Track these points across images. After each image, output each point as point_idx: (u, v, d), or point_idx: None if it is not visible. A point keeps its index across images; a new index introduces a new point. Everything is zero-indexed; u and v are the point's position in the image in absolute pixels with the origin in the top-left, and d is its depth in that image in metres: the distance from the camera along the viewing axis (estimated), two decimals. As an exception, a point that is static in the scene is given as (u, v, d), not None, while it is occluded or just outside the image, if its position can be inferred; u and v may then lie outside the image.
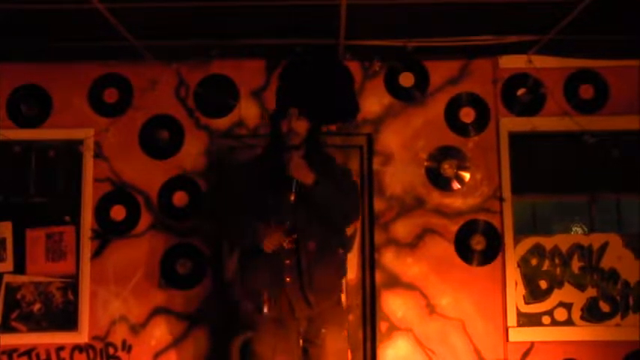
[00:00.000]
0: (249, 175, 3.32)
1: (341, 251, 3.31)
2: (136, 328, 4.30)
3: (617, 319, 4.35)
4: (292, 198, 3.06)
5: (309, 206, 3.11)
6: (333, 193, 3.11)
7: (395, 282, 4.33)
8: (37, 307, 4.38)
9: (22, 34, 3.98)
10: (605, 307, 4.37)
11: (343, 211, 3.21)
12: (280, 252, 3.09)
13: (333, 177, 3.20)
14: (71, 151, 4.44)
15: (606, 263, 4.40)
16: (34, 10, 3.57)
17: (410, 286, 4.32)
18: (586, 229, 4.53)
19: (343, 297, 3.41)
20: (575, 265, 4.40)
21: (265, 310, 3.10)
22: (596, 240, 4.42)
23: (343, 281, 3.59)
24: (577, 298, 4.36)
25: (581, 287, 4.38)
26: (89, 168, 4.40)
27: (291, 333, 3.15)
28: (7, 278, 4.38)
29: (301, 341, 3.17)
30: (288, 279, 3.10)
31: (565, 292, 4.38)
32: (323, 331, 3.17)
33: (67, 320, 4.35)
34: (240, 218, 3.17)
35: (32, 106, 4.45)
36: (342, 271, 3.37)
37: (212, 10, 3.65)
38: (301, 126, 3.17)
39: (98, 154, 4.41)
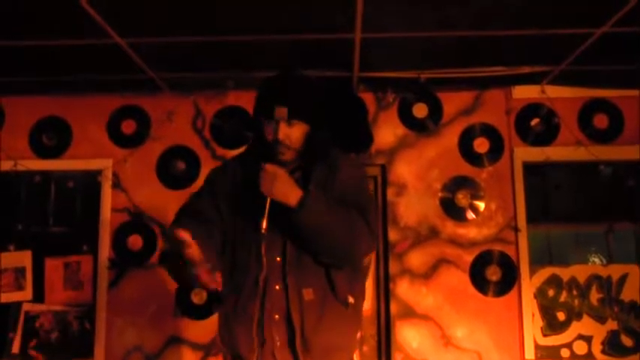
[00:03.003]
0: (228, 182, 2.43)
1: (351, 300, 2.30)
2: (151, 358, 4.31)
3: (641, 354, 4.28)
4: (264, 226, 2.17)
5: (295, 238, 2.25)
6: (329, 217, 2.19)
7: (410, 312, 4.30)
8: (54, 335, 4.41)
9: (45, 67, 4.08)
10: (627, 341, 4.28)
11: (345, 245, 2.25)
12: (266, 300, 2.25)
13: (340, 196, 2.30)
14: (90, 181, 4.52)
15: (626, 295, 4.33)
16: (56, 45, 3.67)
17: (425, 317, 4.29)
18: (604, 260, 4.48)
19: (356, 356, 2.44)
20: (594, 296, 4.34)
21: None
22: (614, 271, 4.37)
23: (358, 336, 2.45)
24: (597, 331, 4.29)
25: (600, 320, 4.31)
26: (107, 198, 4.47)
27: None
28: (25, 307, 4.43)
29: None
30: (278, 341, 2.25)
31: (584, 325, 4.31)
32: None
33: (84, 349, 4.37)
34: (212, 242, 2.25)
35: (52, 137, 4.55)
36: (355, 326, 2.37)
37: (228, 43, 3.73)
38: (297, 131, 2.28)
39: (116, 185, 4.48)
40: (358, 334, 2.44)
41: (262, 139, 2.30)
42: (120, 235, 4.44)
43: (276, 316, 2.25)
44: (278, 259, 2.27)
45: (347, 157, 2.53)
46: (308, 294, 2.24)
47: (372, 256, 4.43)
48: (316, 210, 2.16)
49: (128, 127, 4.54)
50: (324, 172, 2.33)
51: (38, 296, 4.44)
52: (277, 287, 2.25)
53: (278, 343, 2.24)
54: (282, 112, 2.22)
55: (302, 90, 2.34)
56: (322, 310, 2.25)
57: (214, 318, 4.23)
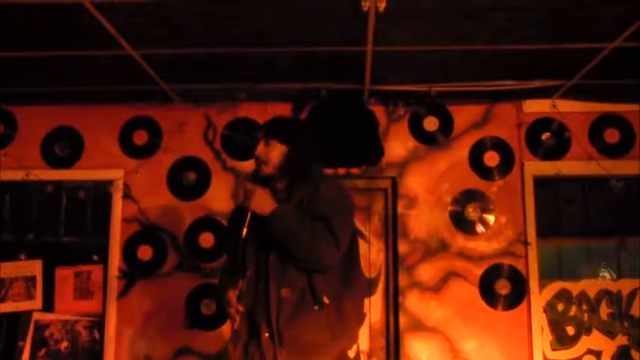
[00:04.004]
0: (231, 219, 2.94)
1: (326, 301, 2.59)
2: (160, 368, 4.33)
3: (651, 369, 4.25)
4: (244, 233, 2.60)
5: (273, 243, 2.60)
6: (297, 228, 2.54)
7: (419, 325, 4.30)
8: (64, 345, 4.43)
9: (58, 78, 4.12)
10: (637, 356, 4.26)
11: (306, 252, 2.56)
12: (251, 298, 2.64)
13: (312, 210, 2.63)
14: (101, 191, 4.55)
15: (637, 310, 4.32)
16: (70, 55, 3.70)
17: (434, 330, 4.29)
18: (614, 275, 4.46)
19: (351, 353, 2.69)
20: (604, 311, 4.33)
21: None
22: (625, 286, 4.36)
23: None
24: (607, 346, 4.28)
25: (610, 335, 4.30)
26: (118, 208, 4.49)
27: None
28: (35, 316, 4.45)
29: None
30: (266, 333, 2.59)
31: (593, 339, 4.29)
32: None
33: (93, 359, 4.38)
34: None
35: (64, 147, 4.58)
36: (334, 325, 2.61)
37: (239, 55, 3.75)
38: (276, 151, 2.69)
39: (127, 195, 4.50)
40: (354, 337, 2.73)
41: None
42: (130, 246, 4.46)
43: (260, 312, 2.60)
44: (263, 263, 2.64)
45: (329, 179, 2.98)
46: (286, 292, 2.58)
47: (382, 269, 4.43)
48: (285, 219, 2.55)
49: (140, 137, 4.56)
50: (305, 190, 2.68)
51: (48, 306, 4.47)
52: (260, 287, 2.63)
53: (266, 335, 2.58)
54: (261, 133, 2.74)
55: (281, 115, 2.85)
56: (297, 308, 2.58)
57: (224, 329, 4.29)
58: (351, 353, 2.70)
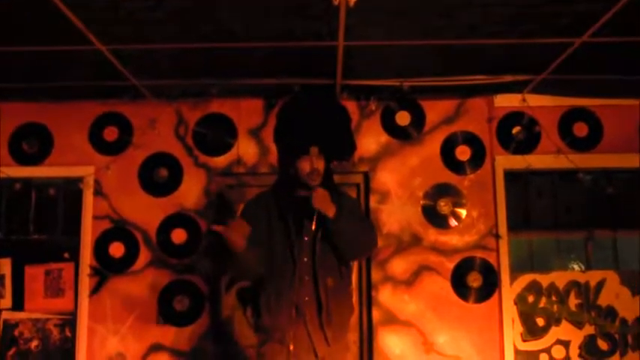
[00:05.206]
0: (263, 210, 3.19)
1: (351, 288, 3.28)
2: (133, 366, 4.30)
3: (617, 357, 4.33)
4: (313, 227, 3.02)
5: (328, 240, 3.05)
6: (355, 225, 3.08)
7: (392, 319, 4.32)
8: (34, 344, 4.38)
9: (26, 73, 4.05)
10: (603, 345, 4.35)
11: (366, 242, 3.18)
12: (299, 288, 3.04)
13: (350, 210, 3.12)
14: (71, 188, 4.49)
15: (603, 301, 4.40)
16: (38, 51, 3.65)
17: (407, 324, 4.32)
18: (583, 266, 4.54)
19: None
20: (572, 302, 4.40)
21: (291, 347, 3.00)
22: (593, 277, 4.43)
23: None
24: (575, 336, 4.36)
25: (578, 325, 4.37)
26: (89, 205, 4.45)
27: None
28: (4, 315, 4.40)
29: None
30: (308, 316, 3.03)
31: (562, 330, 4.37)
32: None
33: (64, 358, 4.35)
34: (256, 252, 3.04)
35: (33, 144, 4.51)
36: (352, 308, 3.26)
37: (211, 51, 3.72)
38: (320, 164, 3.08)
39: (98, 192, 4.46)
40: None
41: (294, 170, 3.08)
42: (101, 243, 4.42)
43: (307, 298, 3.03)
44: (306, 259, 3.06)
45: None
46: (330, 281, 3.06)
47: (355, 263, 4.44)
48: (346, 219, 3.02)
49: (110, 134, 4.52)
50: (335, 195, 3.10)
51: (18, 304, 4.41)
52: (307, 278, 3.05)
53: (308, 317, 3.02)
54: (315, 150, 3.04)
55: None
56: (338, 293, 3.09)
57: (196, 325, 4.28)
58: None
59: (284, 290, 3.03)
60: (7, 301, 4.41)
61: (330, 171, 3.21)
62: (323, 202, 2.99)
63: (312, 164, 3.03)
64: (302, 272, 3.06)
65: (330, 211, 2.98)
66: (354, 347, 4.35)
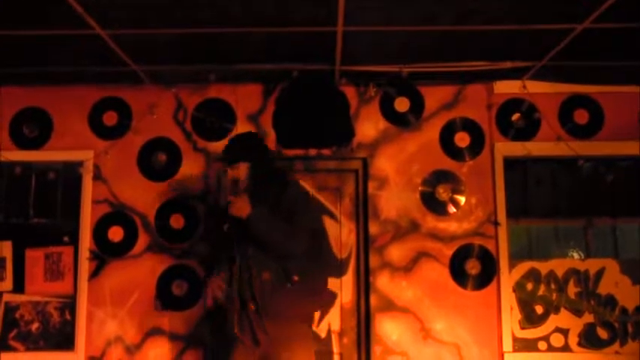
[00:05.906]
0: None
1: (295, 278, 3.28)
2: (132, 349, 4.32)
3: (616, 346, 4.31)
4: (225, 228, 3.32)
5: (251, 239, 3.26)
6: (268, 226, 3.23)
7: (389, 306, 4.33)
8: (35, 326, 4.41)
9: (26, 58, 4.06)
10: (603, 333, 4.34)
11: (279, 244, 3.26)
12: (241, 282, 3.30)
13: (282, 208, 3.30)
14: (71, 172, 4.51)
15: (603, 289, 4.38)
16: (38, 35, 3.65)
17: (404, 310, 4.32)
18: (582, 255, 4.52)
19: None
20: (572, 290, 4.38)
21: (235, 330, 3.31)
22: (592, 265, 4.42)
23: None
24: (574, 324, 4.34)
25: (577, 313, 4.36)
26: (88, 189, 4.47)
27: (254, 357, 3.32)
28: (6, 297, 4.43)
29: None
30: (252, 307, 3.27)
31: (561, 318, 4.36)
32: (285, 355, 3.29)
33: (64, 340, 4.39)
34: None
35: (33, 128, 4.53)
36: (303, 298, 3.33)
37: (210, 36, 3.72)
38: (241, 169, 3.38)
39: (97, 176, 4.47)
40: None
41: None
42: (101, 227, 4.44)
43: (247, 291, 3.28)
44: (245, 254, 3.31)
45: (295, 181, 3.75)
46: (266, 275, 3.26)
47: (353, 249, 4.45)
48: (258, 220, 3.23)
49: (109, 118, 4.53)
50: (272, 191, 3.37)
51: (18, 287, 4.44)
52: (246, 274, 3.28)
53: (252, 307, 3.26)
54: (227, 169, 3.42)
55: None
56: (278, 287, 3.25)
57: (194, 310, 4.30)
58: (322, 333, 3.50)
59: (233, 284, 3.33)
60: (8, 284, 4.44)
61: (263, 169, 3.43)
62: (235, 206, 3.26)
63: (229, 178, 3.42)
64: (242, 269, 3.31)
65: (243, 212, 3.23)
66: (352, 333, 4.36)
